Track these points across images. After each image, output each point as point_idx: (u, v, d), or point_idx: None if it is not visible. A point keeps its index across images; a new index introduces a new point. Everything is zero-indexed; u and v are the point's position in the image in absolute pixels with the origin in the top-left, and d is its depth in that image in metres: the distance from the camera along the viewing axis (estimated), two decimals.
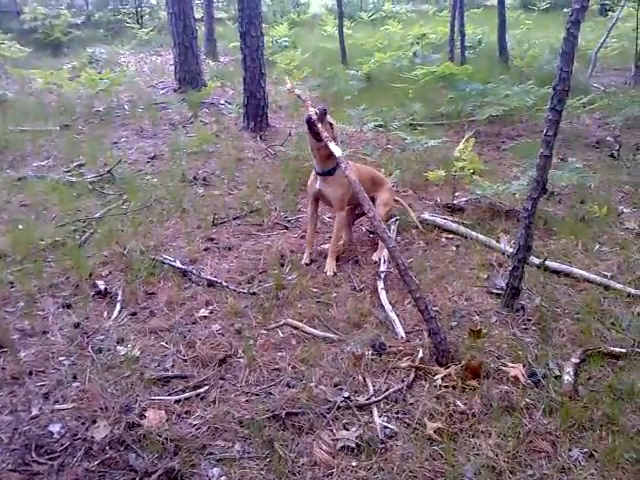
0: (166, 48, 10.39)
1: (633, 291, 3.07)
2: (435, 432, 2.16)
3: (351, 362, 2.56)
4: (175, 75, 7.72)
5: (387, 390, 2.38)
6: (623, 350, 2.62)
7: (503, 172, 4.91)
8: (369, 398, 2.35)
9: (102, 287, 3.13)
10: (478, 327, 2.72)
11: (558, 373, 2.48)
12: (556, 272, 3.31)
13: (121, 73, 8.34)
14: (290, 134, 5.84)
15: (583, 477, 1.98)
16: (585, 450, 2.09)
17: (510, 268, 2.89)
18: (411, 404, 2.33)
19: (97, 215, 4.10)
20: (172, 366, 2.54)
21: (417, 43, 9.33)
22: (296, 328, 2.82)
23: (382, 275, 3.22)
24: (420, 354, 2.58)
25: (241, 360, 2.58)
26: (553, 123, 2.57)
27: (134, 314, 2.94)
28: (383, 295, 3.05)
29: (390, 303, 2.99)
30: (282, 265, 3.44)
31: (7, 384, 2.38)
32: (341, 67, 9.01)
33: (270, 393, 2.39)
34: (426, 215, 3.97)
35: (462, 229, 3.79)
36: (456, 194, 4.47)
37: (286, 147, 5.43)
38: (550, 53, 9.02)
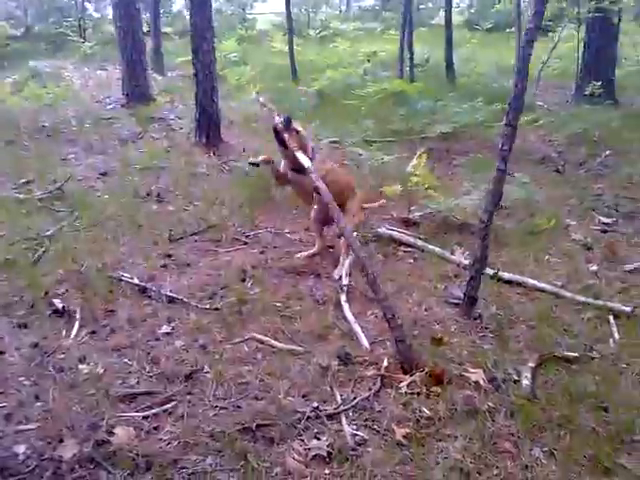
0: (111, 62, 10.31)
1: (582, 299, 3.31)
2: (404, 437, 2.27)
3: (318, 373, 2.65)
4: (123, 90, 7.69)
5: (354, 399, 2.48)
6: (576, 354, 2.83)
7: (455, 187, 5.13)
8: (337, 407, 2.44)
9: (59, 305, 3.10)
10: (439, 335, 2.88)
11: (516, 378, 2.65)
12: (509, 282, 3.52)
13: (66, 87, 8.23)
14: (244, 149, 5.93)
15: (545, 474, 2.12)
16: (545, 449, 2.24)
17: (467, 279, 3.07)
18: (379, 411, 2.43)
19: (49, 233, 4.04)
20: (137, 383, 2.56)
21: (368, 61, 9.64)
22: (262, 342, 2.89)
23: (344, 288, 3.34)
24: (385, 363, 2.69)
25: (207, 375, 2.63)
26: (508, 138, 2.78)
27: (94, 332, 2.94)
28: (346, 308, 3.16)
29: (353, 315, 3.11)
30: (243, 280, 3.50)
31: None
32: (291, 83, 9.21)
33: (239, 406, 2.44)
34: (383, 229, 4.13)
35: (418, 242, 3.97)
36: (411, 208, 4.68)
37: (241, 162, 5.51)
38: (496, 71, 9.51)
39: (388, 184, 4.32)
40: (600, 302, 3.28)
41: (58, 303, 3.13)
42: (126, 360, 2.71)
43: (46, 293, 3.24)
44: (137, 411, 2.37)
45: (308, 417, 2.36)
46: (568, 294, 3.37)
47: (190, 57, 9.76)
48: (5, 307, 3.14)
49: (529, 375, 2.63)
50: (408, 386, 2.56)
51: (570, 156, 6.23)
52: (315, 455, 2.18)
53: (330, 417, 2.38)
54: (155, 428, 2.29)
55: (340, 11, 20.12)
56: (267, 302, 3.23)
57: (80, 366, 2.63)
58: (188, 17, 16.67)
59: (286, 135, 3.30)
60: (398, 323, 2.69)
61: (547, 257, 3.93)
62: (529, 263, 3.84)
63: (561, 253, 3.98)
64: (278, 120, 3.36)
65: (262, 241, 4.09)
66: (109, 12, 14.72)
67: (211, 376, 2.61)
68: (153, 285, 3.38)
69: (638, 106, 8.22)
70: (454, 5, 22.63)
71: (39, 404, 2.37)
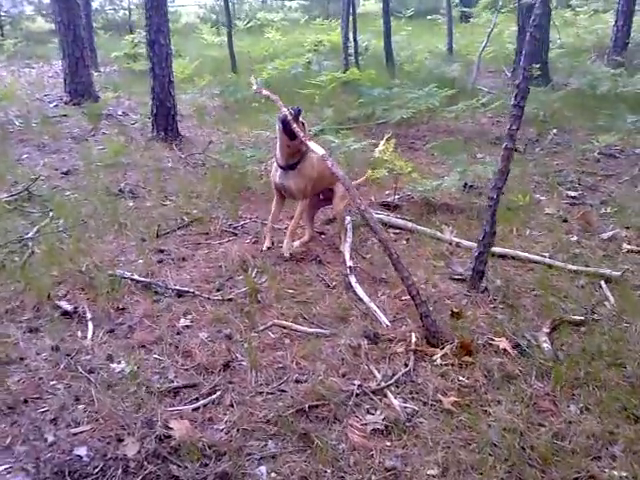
0: (37, 60, 9.81)
1: (574, 267, 3.55)
2: (452, 405, 2.40)
3: (350, 353, 2.72)
4: (65, 87, 7.36)
5: (394, 374, 2.57)
6: (582, 318, 3.05)
7: (423, 170, 5.33)
8: (379, 383, 2.53)
9: (67, 307, 2.99)
10: (458, 309, 3.02)
11: (535, 343, 2.84)
12: (503, 256, 3.72)
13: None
14: (211, 141, 5.86)
15: (587, 427, 2.29)
16: (581, 405, 2.42)
17: (476, 253, 3.23)
18: (420, 384, 2.54)
19: (30, 235, 3.85)
20: (176, 377, 2.53)
21: (315, 50, 9.70)
22: (285, 328, 2.92)
23: (352, 270, 3.42)
24: (413, 338, 2.81)
25: (243, 363, 2.64)
26: (517, 118, 2.95)
27: (112, 331, 2.86)
28: (359, 289, 3.24)
29: (367, 295, 3.19)
30: (245, 270, 3.50)
31: (5, 415, 2.23)
32: (234, 75, 9.12)
33: (283, 390, 2.47)
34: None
35: (409, 224, 4.10)
36: (386, 192, 4.81)
37: (212, 155, 5.44)
38: (434, 58, 9.84)
39: (371, 169, 4.40)
40: (591, 269, 3.53)
41: (65, 305, 3.02)
42: (156, 355, 2.67)
43: (49, 295, 3.10)
44: (185, 404, 2.36)
45: (356, 394, 2.43)
46: (560, 264, 3.60)
47: (124, 52, 9.58)
48: (9, 312, 2.99)
49: (547, 339, 2.83)
50: (441, 358, 2.68)
51: (521, 136, 6.58)
52: (373, 429, 2.26)
53: (375, 393, 2.47)
54: (209, 419, 2.28)
55: (264, 1, 20.04)
56: (279, 289, 3.25)
57: (111, 365, 2.57)
58: (111, 12, 16.09)
59: (295, 126, 3.34)
60: (422, 299, 2.81)
61: (528, 231, 4.17)
62: (513, 238, 4.06)
63: (540, 226, 4.23)
64: (286, 112, 3.40)
65: (251, 232, 4.08)
66: (26, 8, 13.97)
67: (247, 364, 2.62)
68: (158, 280, 3.32)
69: (571, 86, 8.73)
70: None
71: (82, 406, 2.30)
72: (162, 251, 3.75)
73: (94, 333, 2.84)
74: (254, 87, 4.19)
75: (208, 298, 3.16)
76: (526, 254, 3.72)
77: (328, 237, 4.06)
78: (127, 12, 14.97)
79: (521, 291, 3.33)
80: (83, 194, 4.64)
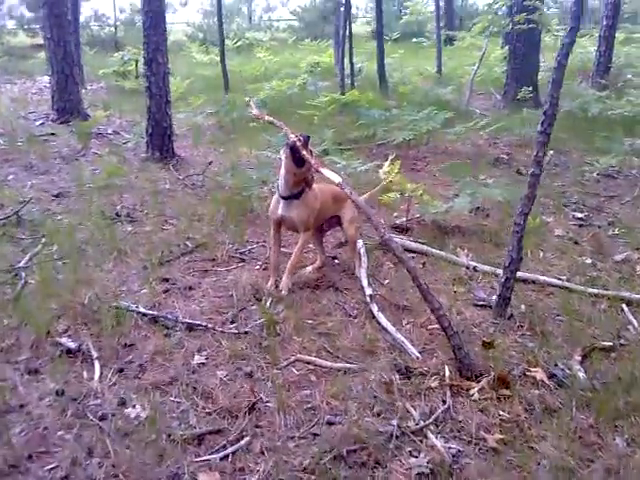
0: (20, 75, 9.55)
1: (594, 291, 3.44)
2: (497, 443, 2.23)
3: (382, 389, 2.54)
4: (53, 104, 7.12)
5: (432, 412, 2.40)
6: (610, 344, 2.93)
7: (428, 191, 5.20)
8: (417, 423, 2.35)
9: (70, 344, 2.76)
10: (490, 339, 2.87)
11: (569, 372, 2.70)
12: (523, 280, 3.59)
13: None
14: (210, 163, 5.67)
15: (638, 462, 2.15)
16: (626, 437, 2.29)
17: (502, 280, 3.10)
18: (460, 421, 2.37)
19: (22, 264, 3.61)
20: (198, 422, 2.31)
21: (311, 71, 9.62)
22: (309, 363, 2.73)
23: (373, 298, 3.25)
24: (447, 372, 2.64)
25: (269, 404, 2.43)
26: (542, 145, 2.85)
27: (121, 371, 2.63)
28: (382, 318, 3.08)
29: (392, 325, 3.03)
30: (259, 300, 3.31)
31: (6, 474, 1.99)
32: (228, 94, 8.98)
33: (316, 434, 2.28)
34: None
35: (424, 248, 3.96)
36: (394, 214, 4.68)
37: (212, 176, 5.26)
38: (425, 80, 9.84)
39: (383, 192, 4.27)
40: (611, 292, 3.43)
41: (67, 342, 2.79)
42: (173, 398, 2.45)
43: (48, 332, 2.87)
44: (212, 453, 2.15)
45: (396, 436, 2.25)
46: (580, 287, 3.49)
47: (113, 69, 9.40)
48: (3, 352, 2.74)
49: (580, 368, 2.69)
50: (479, 392, 2.52)
51: (519, 157, 6.55)
52: (418, 474, 2.09)
53: (415, 433, 2.29)
54: (240, 469, 2.08)
55: (250, 21, 20.04)
56: (297, 320, 3.06)
57: (125, 410, 2.34)
58: (96, 28, 15.88)
59: (304, 153, 3.19)
60: (455, 330, 2.66)
61: (542, 254, 4.07)
62: (528, 261, 3.93)
63: (553, 249, 4.13)
64: (295, 138, 3.25)
65: (259, 257, 3.90)
66: (8, 23, 13.67)
67: (274, 405, 2.42)
68: (167, 313, 3.11)
69: (564, 109, 8.76)
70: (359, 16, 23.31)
71: (96, 460, 2.07)
72: (167, 280, 3.54)
73: (102, 373, 2.60)
74: (253, 111, 4.01)
75: (222, 332, 2.96)
76: (545, 278, 3.61)
77: (341, 261, 3.90)
78: (113, 29, 14.76)
79: (546, 317, 3.20)
80: (77, 218, 4.40)
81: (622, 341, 2.98)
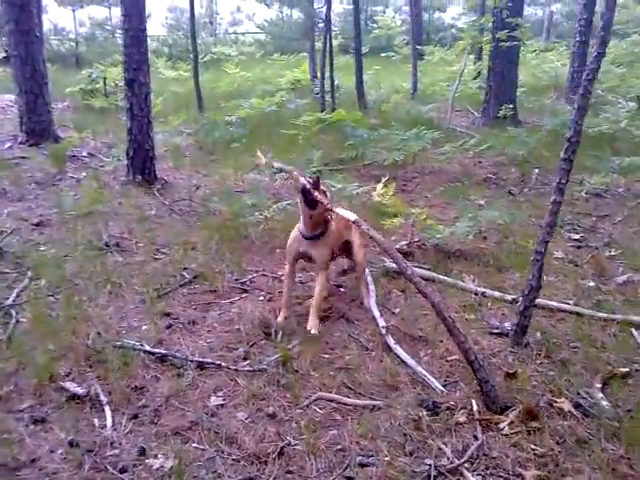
0: None
1: (603, 315, 3.52)
2: (535, 479, 2.25)
3: (411, 427, 2.54)
4: (21, 126, 6.94)
5: (464, 449, 2.41)
6: (627, 369, 3.00)
7: (434, 215, 5.24)
8: (452, 461, 2.35)
9: (77, 390, 2.67)
10: (513, 369, 2.90)
11: (592, 400, 2.75)
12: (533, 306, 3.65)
13: None
14: (198, 187, 5.62)
15: None
16: None
17: (521, 308, 3.15)
18: (494, 457, 2.38)
19: (10, 301, 3.49)
20: (226, 470, 2.27)
21: (292, 89, 9.65)
22: (332, 401, 2.72)
23: (386, 330, 3.25)
24: (475, 406, 2.66)
25: (297, 447, 2.41)
26: (566, 172, 2.92)
27: (135, 416, 2.56)
28: (401, 351, 3.08)
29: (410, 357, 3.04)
30: (268, 334, 3.28)
31: None
32: (197, 112, 8.95)
33: (350, 477, 2.27)
34: (388, 263, 4.11)
35: (433, 274, 3.99)
36: (393, 238, 4.72)
37: (200, 201, 5.21)
38: (403, 97, 9.99)
39: (386, 217, 4.31)
40: (619, 316, 3.51)
41: (73, 386, 2.70)
42: (195, 444, 2.40)
43: (51, 376, 2.78)
44: None
45: (434, 477, 2.25)
46: (588, 312, 3.57)
47: (80, 87, 9.24)
48: (2, 400, 2.64)
49: (603, 396, 2.75)
50: (509, 426, 2.54)
51: (506, 176, 6.69)
52: None
53: (451, 472, 2.29)
54: None
55: (215, 35, 20.04)
56: (313, 355, 3.04)
57: (147, 460, 2.28)
58: (56, 42, 15.57)
59: (316, 194, 3.24)
60: (481, 364, 2.68)
61: (545, 277, 4.13)
62: None
63: (555, 272, 4.21)
64: (304, 181, 3.30)
65: (262, 287, 3.87)
66: None
67: (302, 448, 2.40)
68: (176, 351, 3.05)
69: (539, 125, 9.03)
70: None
71: None
72: (168, 314, 3.48)
73: (114, 420, 2.53)
74: (263, 161, 4.08)
75: (236, 370, 2.91)
76: (554, 303, 3.68)
77: (347, 290, 3.90)
78: (74, 43, 14.54)
79: (560, 343, 3.25)
80: (62, 249, 4.30)
81: (637, 366, 3.05)
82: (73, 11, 17.03)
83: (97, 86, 9.59)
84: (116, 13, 16.66)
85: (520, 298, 3.60)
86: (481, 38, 8.39)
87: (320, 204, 3.24)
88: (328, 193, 3.46)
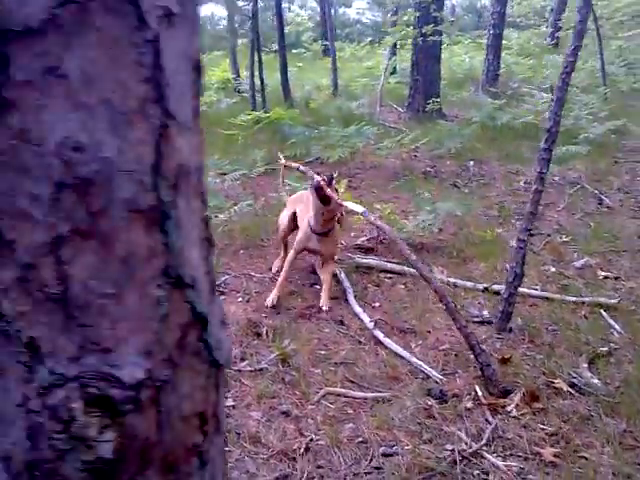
0: None
1: (572, 299, 3.83)
2: (554, 457, 2.45)
3: (423, 415, 2.67)
4: None
5: (480, 433, 2.57)
6: (606, 349, 3.30)
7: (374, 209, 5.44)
8: (470, 445, 2.50)
9: None
10: (506, 354, 3.11)
11: (583, 379, 3.00)
12: (497, 293, 3.89)
13: None
14: None
15: None
16: None
17: (506, 295, 3.37)
18: (509, 439, 2.56)
19: None
20: (258, 469, 2.29)
21: (223, 88, 9.53)
22: (339, 395, 2.80)
23: (374, 324, 3.37)
24: (479, 391, 2.83)
25: (320, 442, 2.47)
26: (546, 161, 3.15)
27: None
28: (392, 344, 3.21)
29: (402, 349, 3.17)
30: (259, 335, 3.30)
31: None
32: None
33: (379, 467, 2.36)
34: (358, 258, 4.23)
35: (403, 268, 4.15)
36: (352, 234, 4.86)
37: None
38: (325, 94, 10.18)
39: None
40: (587, 299, 3.82)
41: None
42: None
43: None
44: None
45: (460, 460, 2.39)
46: (557, 296, 3.87)
47: None
48: None
49: (592, 375, 3.01)
50: (515, 408, 2.73)
51: (444, 169, 7.03)
52: None
53: (473, 455, 2.44)
54: None
55: None
56: (308, 352, 3.11)
57: None
58: None
59: (328, 190, 3.51)
60: (482, 349, 2.86)
61: (507, 265, 4.42)
62: (497, 273, 4.28)
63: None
64: (319, 178, 3.57)
65: (238, 289, 3.86)
66: None
67: (326, 443, 2.46)
68: None
69: (465, 118, 9.48)
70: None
71: None
72: None
73: None
74: (282, 161, 4.37)
75: (239, 370, 2.93)
76: (523, 289, 3.92)
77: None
78: None
79: (540, 328, 3.50)
80: None
81: (613, 345, 3.33)
82: None
83: None
84: None
85: (492, 286, 3.92)
86: (413, 32, 8.71)
87: (333, 200, 3.49)
88: (338, 190, 3.70)
